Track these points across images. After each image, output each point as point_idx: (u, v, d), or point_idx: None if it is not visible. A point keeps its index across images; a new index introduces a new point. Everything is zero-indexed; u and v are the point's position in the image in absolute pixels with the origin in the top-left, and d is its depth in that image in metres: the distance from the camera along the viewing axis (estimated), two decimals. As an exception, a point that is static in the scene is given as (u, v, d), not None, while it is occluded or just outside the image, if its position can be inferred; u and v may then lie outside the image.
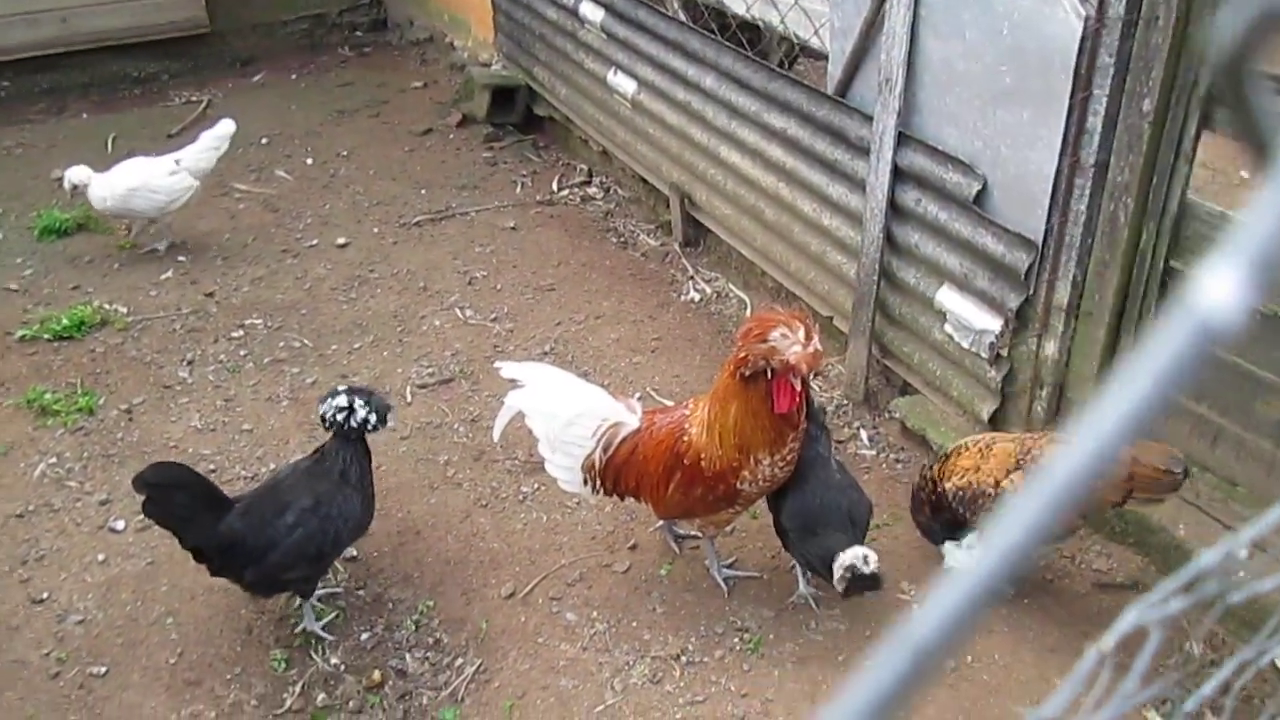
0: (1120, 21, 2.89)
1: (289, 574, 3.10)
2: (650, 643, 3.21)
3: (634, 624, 3.27)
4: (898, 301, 3.88)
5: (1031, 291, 3.34)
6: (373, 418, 3.15)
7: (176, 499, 2.99)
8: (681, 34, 4.69)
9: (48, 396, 4.17)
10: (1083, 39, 2.97)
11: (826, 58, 4.03)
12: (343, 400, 3.12)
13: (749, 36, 4.53)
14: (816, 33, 4.12)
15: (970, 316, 3.54)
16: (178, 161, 5.03)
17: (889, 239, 3.79)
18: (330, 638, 3.21)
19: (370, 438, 3.97)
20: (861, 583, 2.98)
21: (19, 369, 4.37)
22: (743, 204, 4.60)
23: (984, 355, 3.54)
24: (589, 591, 3.38)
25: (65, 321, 4.59)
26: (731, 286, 4.92)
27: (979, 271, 3.48)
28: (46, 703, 3.00)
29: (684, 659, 3.15)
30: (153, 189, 4.97)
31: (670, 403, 4.15)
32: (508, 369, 3.32)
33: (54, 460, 3.90)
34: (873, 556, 2.97)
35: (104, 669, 3.11)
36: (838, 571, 2.98)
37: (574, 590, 3.39)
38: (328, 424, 3.15)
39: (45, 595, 3.35)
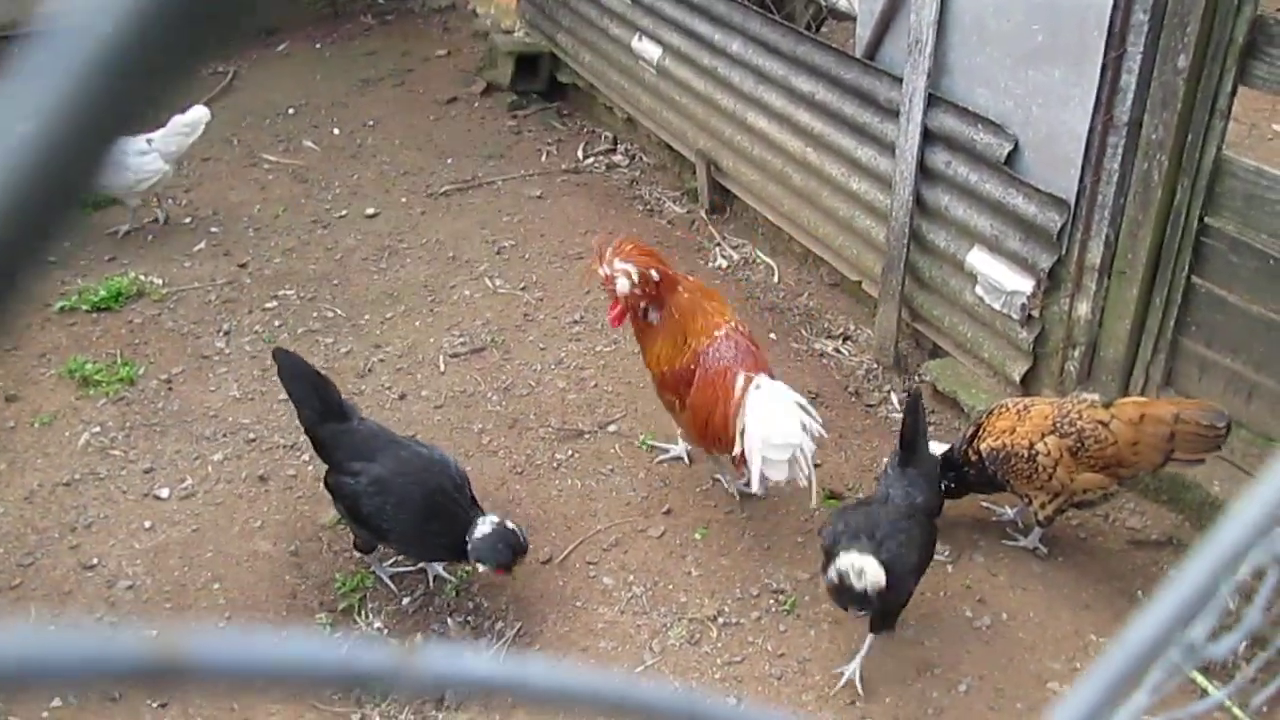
0: (1155, -21, 2.87)
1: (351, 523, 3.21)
2: (687, 605, 3.26)
3: (670, 587, 3.32)
4: (927, 264, 3.88)
5: (1064, 252, 3.34)
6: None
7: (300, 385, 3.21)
8: (707, -2, 4.68)
9: (89, 367, 4.24)
10: (1117, -3, 2.95)
11: (854, 20, 4.01)
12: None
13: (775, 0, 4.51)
14: (844, -5, 4.10)
15: (1001, 278, 3.54)
16: (149, 141, 4.91)
17: (918, 202, 3.79)
18: (393, 588, 3.29)
19: (405, 408, 4.06)
20: (848, 596, 2.74)
21: (59, 340, 4.44)
22: (770, 169, 4.60)
23: (1015, 316, 3.55)
24: (625, 556, 3.44)
25: (103, 293, 4.65)
26: (759, 253, 4.92)
27: (1010, 233, 3.48)
28: (100, 666, 3.09)
29: (720, 620, 3.20)
30: (121, 166, 4.91)
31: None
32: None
33: (97, 429, 3.97)
34: (872, 574, 2.69)
35: (154, 633, 3.19)
36: (831, 571, 2.76)
37: (610, 555, 3.44)
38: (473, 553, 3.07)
39: (95, 561, 3.43)
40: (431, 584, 3.35)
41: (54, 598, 3.30)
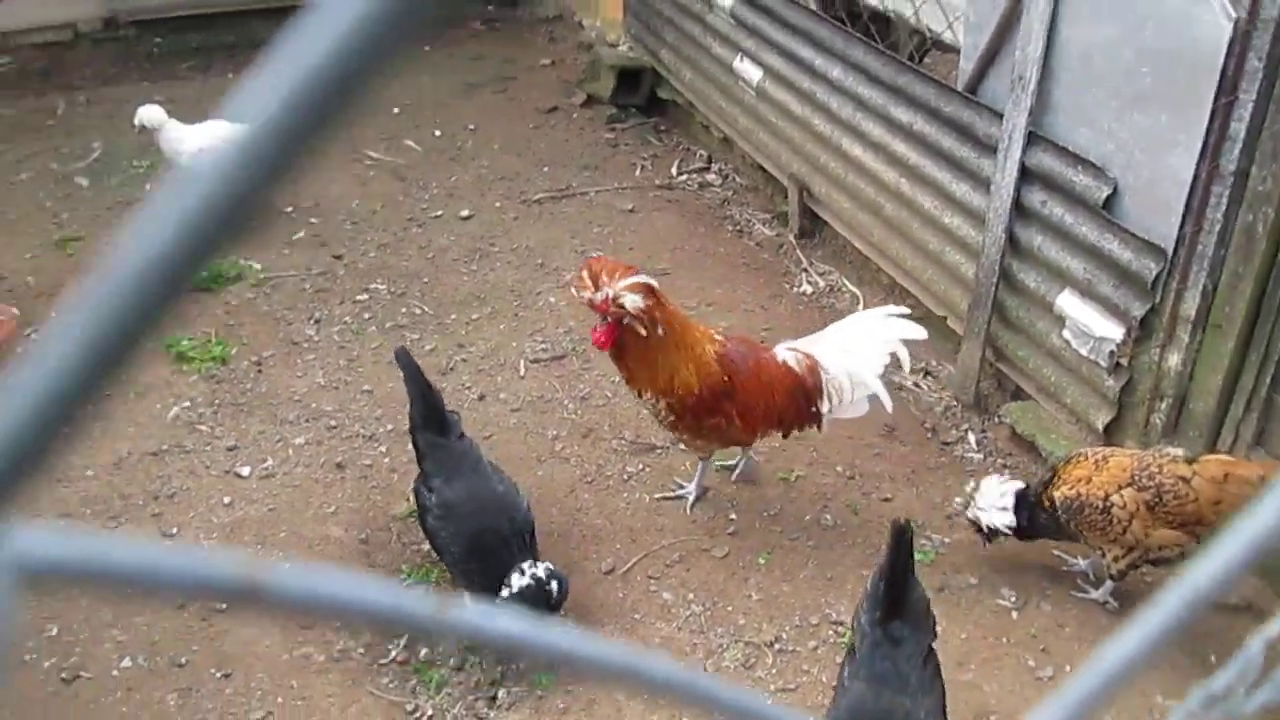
0: (1273, 23, 2.79)
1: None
2: (745, 628, 3.25)
3: (729, 609, 3.31)
4: (1015, 304, 3.82)
5: (1158, 300, 3.26)
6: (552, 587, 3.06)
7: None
8: (811, 23, 4.68)
9: (185, 344, 4.39)
10: (1231, 41, 2.87)
11: (958, 52, 3.97)
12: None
13: (880, 28, 4.49)
14: (950, 26, 4.07)
15: (1091, 323, 3.47)
16: None
17: (1011, 240, 3.73)
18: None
19: (483, 409, 4.12)
20: None
21: (159, 317, 4.61)
22: (862, 198, 4.58)
23: (1103, 364, 3.47)
24: (687, 574, 3.44)
25: (204, 273, 4.81)
26: (845, 281, 4.90)
27: (1103, 277, 3.41)
28: (171, 631, 3.20)
29: (777, 647, 3.19)
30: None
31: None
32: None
33: (187, 404, 4.12)
34: None
35: (225, 605, 3.28)
36: None
37: (672, 571, 3.45)
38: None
39: (174, 531, 3.55)
40: None
41: (134, 563, 3.42)
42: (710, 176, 5.83)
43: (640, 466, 3.85)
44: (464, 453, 3.25)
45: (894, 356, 3.42)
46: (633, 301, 3.13)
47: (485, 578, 3.08)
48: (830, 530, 3.60)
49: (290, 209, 5.46)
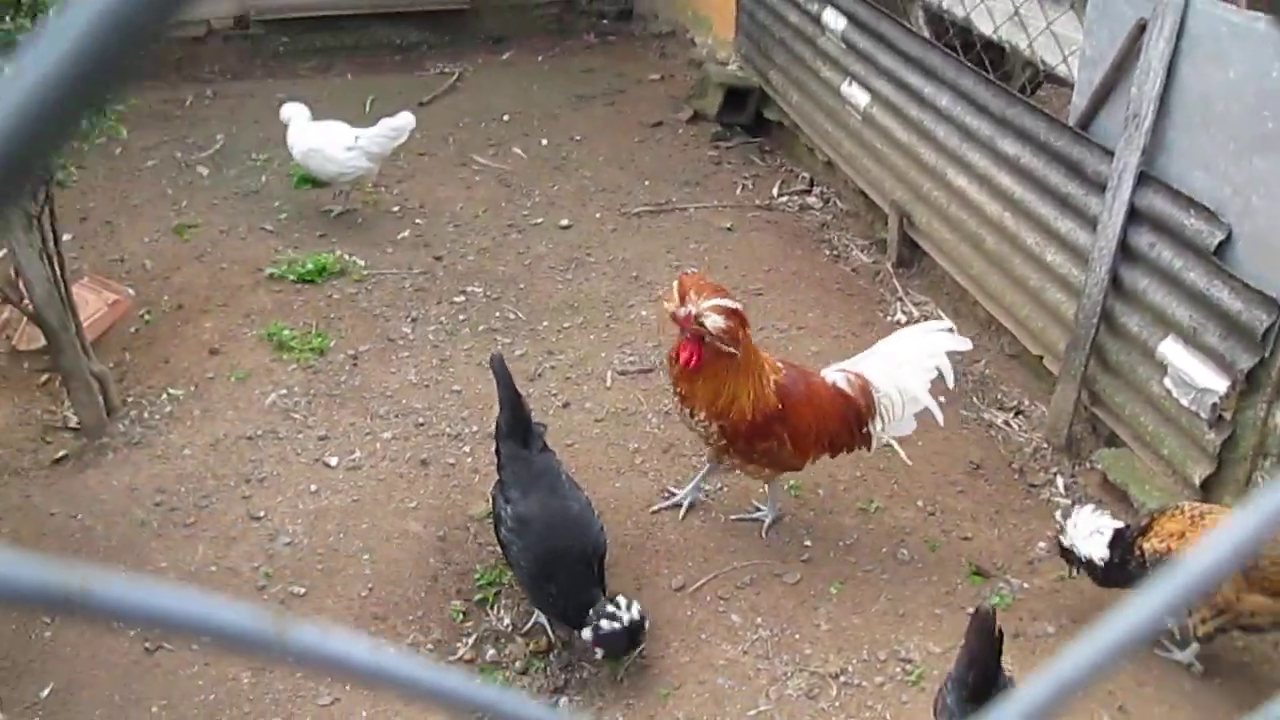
0: None
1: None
2: (811, 657, 3.21)
3: (797, 636, 3.28)
4: (1116, 348, 3.71)
5: (1267, 354, 3.13)
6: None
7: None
8: (923, 50, 4.62)
9: (286, 333, 4.54)
10: (1363, 94, 2.75)
11: (1072, 86, 3.88)
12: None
13: (992, 58, 4.42)
14: (1065, 60, 3.98)
15: (1194, 373, 3.35)
16: (356, 139, 5.21)
17: (1115, 282, 3.63)
18: (550, 634, 3.28)
19: (567, 416, 4.16)
20: None
21: (265, 304, 4.78)
22: (963, 229, 4.50)
23: (1204, 416, 3.34)
24: (757, 597, 3.42)
25: (309, 266, 4.98)
26: (940, 313, 4.81)
27: (1210, 326, 3.29)
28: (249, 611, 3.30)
29: (842, 679, 3.14)
30: (327, 157, 5.24)
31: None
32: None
33: (284, 392, 4.25)
34: None
35: (303, 590, 3.39)
36: None
37: (742, 594, 3.43)
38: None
39: (262, 514, 3.67)
40: (548, 625, 3.35)
41: (221, 541, 3.55)
42: (811, 199, 5.80)
43: (718, 485, 3.84)
44: (544, 467, 3.25)
45: (939, 371, 3.44)
46: (714, 322, 3.14)
47: (562, 601, 3.10)
48: (906, 565, 3.54)
49: (397, 209, 5.61)
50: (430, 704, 0.45)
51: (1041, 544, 3.59)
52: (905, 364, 3.43)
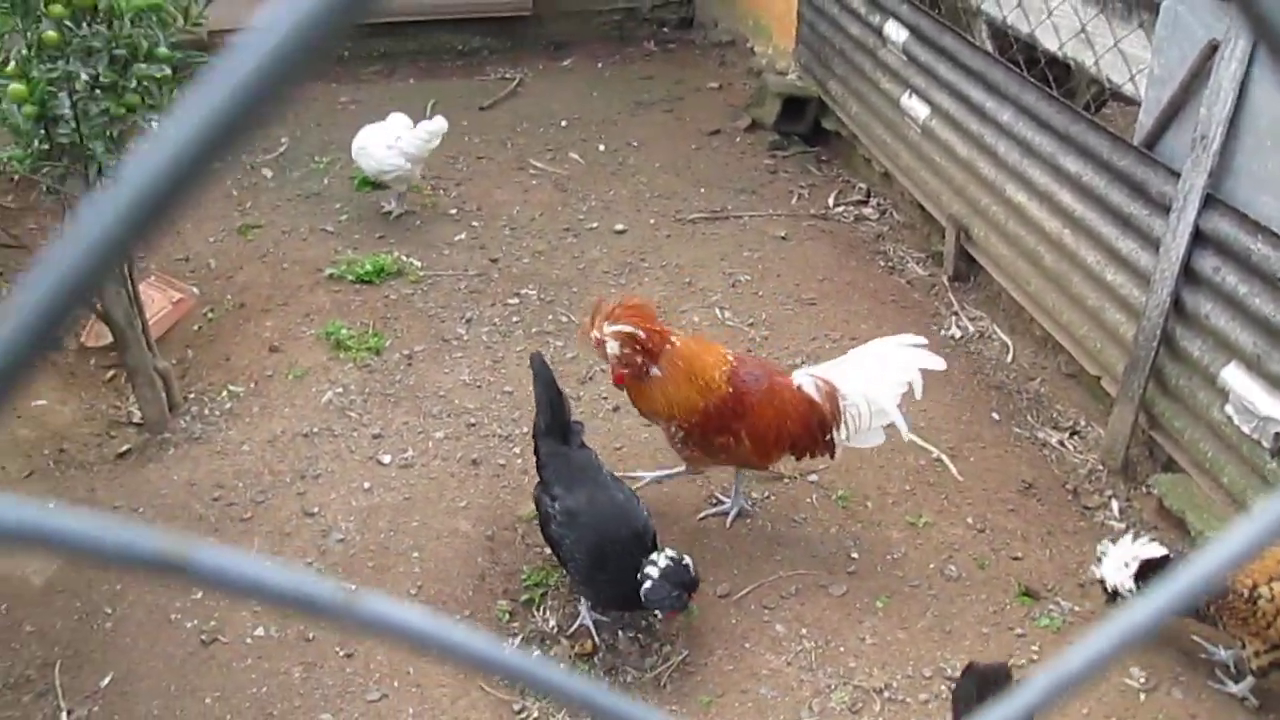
0: None
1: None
2: (855, 671, 3.21)
3: (841, 649, 3.28)
4: (1176, 372, 3.65)
5: (1333, 384, 3.07)
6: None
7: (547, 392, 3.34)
8: (985, 64, 4.59)
9: (343, 332, 4.62)
10: None
11: (1138, 105, 3.83)
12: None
13: (1056, 74, 4.37)
14: (1132, 78, 3.92)
15: (1257, 400, 3.28)
16: (397, 139, 5.32)
17: (1177, 305, 3.57)
18: (594, 638, 3.32)
19: (616, 420, 4.18)
20: None
21: (324, 303, 4.87)
22: (1021, 245, 4.45)
23: (1266, 445, 3.28)
24: (802, 608, 3.42)
25: (368, 267, 5.06)
26: (996, 328, 4.77)
27: (1275, 354, 3.23)
28: (304, 607, 3.36)
29: (886, 695, 3.13)
30: (369, 153, 5.35)
31: (914, 436, 4.10)
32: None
33: (340, 390, 4.33)
34: None
35: (354, 586, 3.43)
36: None
37: (787, 603, 3.43)
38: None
39: (316, 510, 3.74)
40: (593, 629, 3.38)
41: (276, 536, 3.62)
42: (867, 210, 5.77)
43: (766, 494, 3.85)
44: (585, 462, 3.31)
45: (910, 385, 3.40)
46: (610, 348, 3.31)
47: (617, 588, 3.14)
48: (954, 582, 3.52)
49: (454, 211, 5.68)
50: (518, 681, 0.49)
51: (1093, 567, 3.54)
52: (877, 376, 3.42)
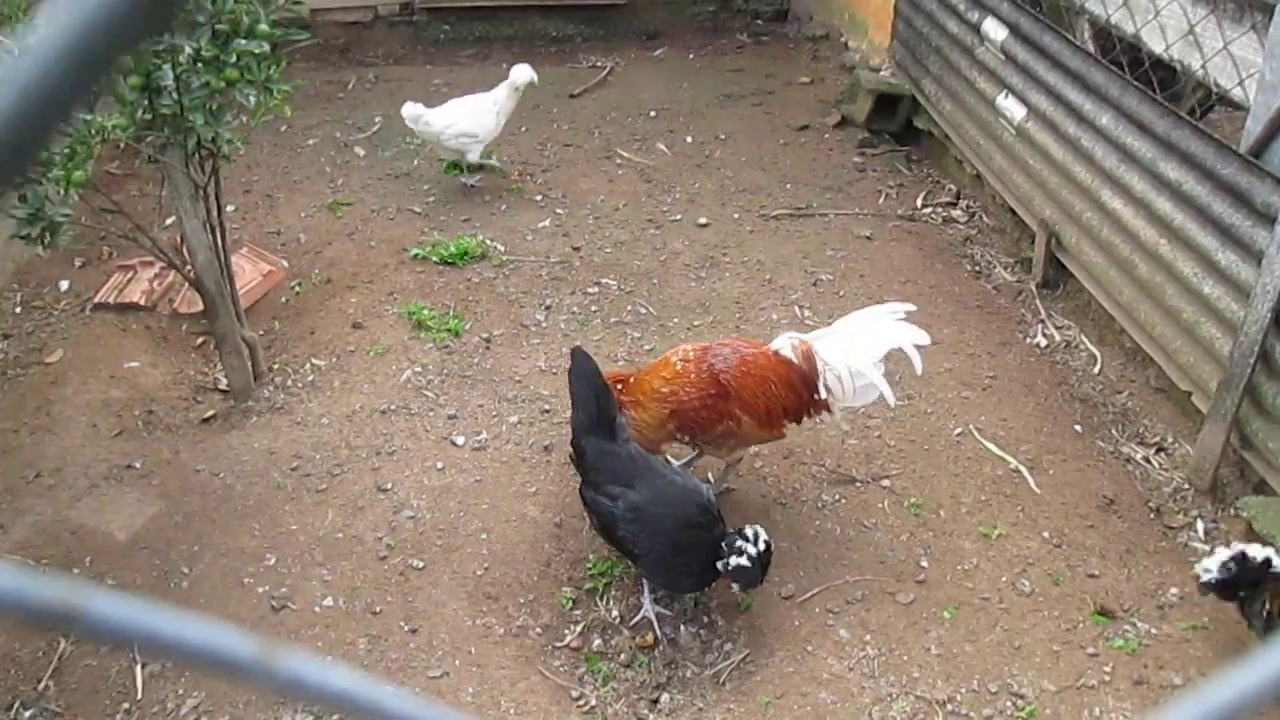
0: None
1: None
2: (918, 681, 3.15)
3: (905, 658, 3.22)
4: (1273, 391, 3.50)
5: None
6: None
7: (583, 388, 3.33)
8: (1086, 65, 4.45)
9: (425, 313, 4.69)
10: None
11: (1246, 111, 3.68)
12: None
13: (1161, 77, 4.22)
14: (1241, 83, 3.77)
15: (1358, 425, 3.14)
16: (494, 103, 5.56)
17: (1277, 321, 3.43)
18: (656, 630, 3.32)
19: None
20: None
21: (408, 283, 4.94)
22: (1115, 254, 4.32)
23: (1366, 472, 3.13)
24: (866, 614, 3.36)
25: (452, 249, 5.12)
26: (1084, 338, 4.63)
27: (1381, 378, 3.08)
28: (371, 579, 3.43)
29: (949, 707, 3.07)
30: (475, 121, 5.57)
31: (992, 445, 4.01)
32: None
33: (419, 370, 4.38)
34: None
35: (422, 564, 3.50)
36: None
37: (852, 609, 3.38)
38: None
39: (389, 486, 3.80)
40: (656, 621, 3.39)
41: (349, 509, 3.69)
42: (956, 212, 5.65)
43: (836, 497, 3.80)
44: (633, 455, 3.27)
45: (902, 351, 3.43)
46: None
47: (696, 565, 3.16)
48: (1025, 597, 3.43)
49: (540, 198, 5.72)
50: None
51: (1174, 589, 3.42)
52: (857, 339, 3.46)
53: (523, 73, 5.55)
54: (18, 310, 4.71)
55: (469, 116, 5.50)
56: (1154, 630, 3.31)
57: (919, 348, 3.43)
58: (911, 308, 3.53)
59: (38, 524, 3.61)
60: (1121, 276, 4.30)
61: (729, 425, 3.48)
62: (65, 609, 0.36)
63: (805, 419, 3.58)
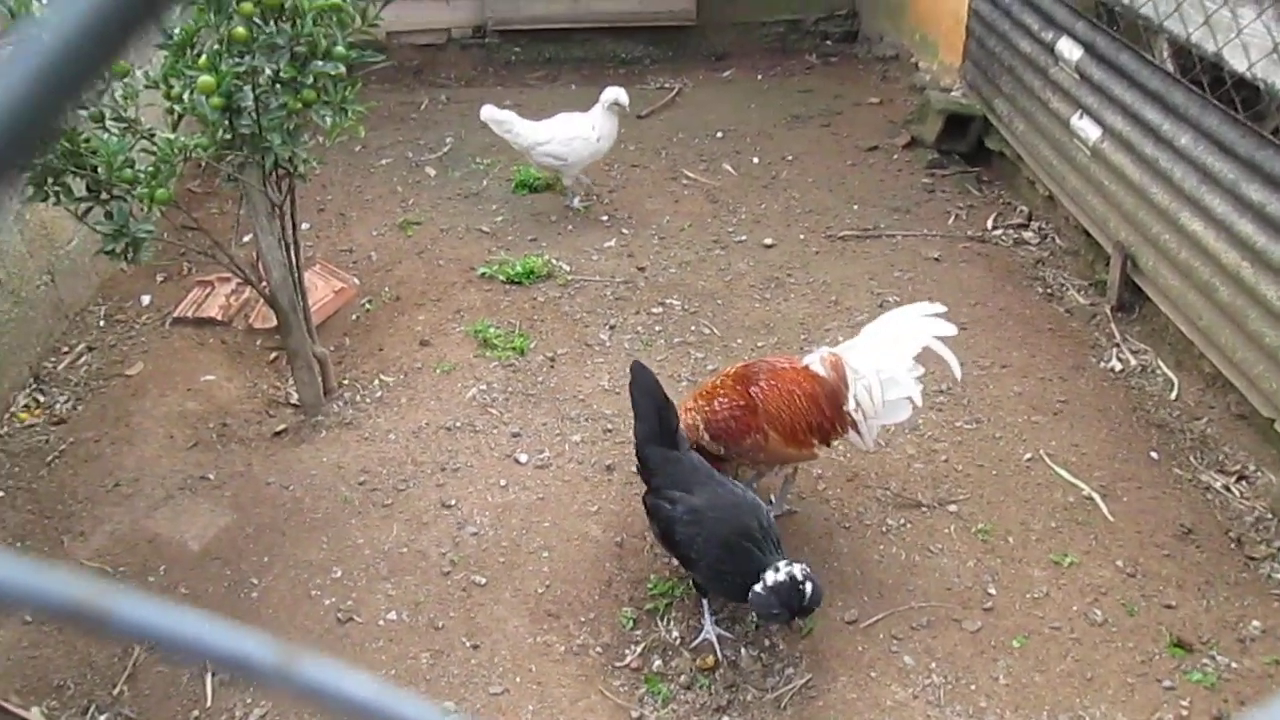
0: None
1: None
2: (985, 711, 3.08)
3: (972, 688, 3.15)
4: (1362, 420, 3.38)
5: None
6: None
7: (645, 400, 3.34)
8: (1165, 85, 4.36)
9: (491, 331, 4.73)
10: None
11: (1334, 133, 3.57)
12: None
13: (1245, 96, 4.11)
14: (1328, 104, 3.66)
15: None
16: (593, 127, 5.57)
17: (1366, 348, 3.31)
18: (717, 653, 3.28)
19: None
20: None
21: (475, 301, 5.00)
22: (1194, 277, 4.20)
23: None
24: (933, 641, 3.30)
25: (519, 268, 5.17)
26: (1160, 363, 4.51)
27: None
28: (434, 594, 3.45)
29: (1017, 738, 3.00)
30: (580, 142, 5.61)
31: (1063, 471, 3.93)
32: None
33: (484, 387, 4.43)
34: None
35: (484, 580, 3.52)
36: None
37: (917, 635, 3.33)
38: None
39: (453, 502, 3.83)
40: (732, 611, 3.40)
41: (414, 524, 3.73)
42: (1027, 234, 5.56)
43: (901, 521, 3.74)
44: (695, 465, 3.30)
45: (938, 355, 3.40)
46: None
47: (739, 578, 3.09)
48: (1098, 627, 3.34)
49: (606, 218, 5.75)
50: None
51: (1256, 622, 3.31)
52: (888, 346, 3.41)
53: (613, 94, 5.56)
54: (101, 324, 4.86)
55: (564, 140, 5.53)
56: (1234, 664, 3.20)
57: (946, 339, 3.40)
58: (943, 308, 3.48)
59: (116, 532, 3.71)
60: (1201, 300, 4.19)
61: (757, 439, 3.47)
62: (94, 609, 0.37)
63: (833, 437, 3.53)
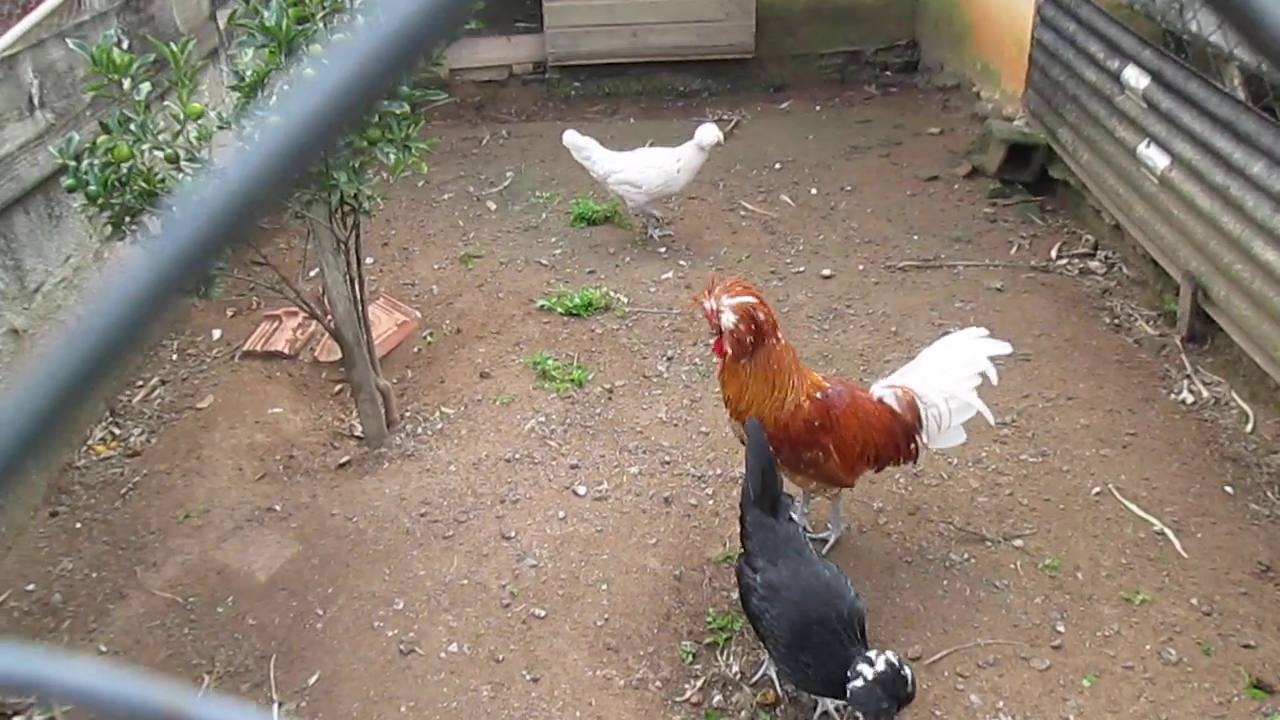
0: None
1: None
2: (1054, 752, 3.00)
3: (1040, 727, 3.08)
4: None
5: None
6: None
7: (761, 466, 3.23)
8: (1235, 112, 4.27)
9: (550, 363, 4.76)
10: None
11: None
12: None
13: (1319, 123, 4.02)
14: (1406, 129, 3.56)
15: None
16: (678, 160, 5.62)
17: None
18: (777, 689, 3.23)
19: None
20: None
21: (533, 334, 5.04)
22: (1269, 307, 4.10)
23: None
24: (999, 679, 3.23)
25: (577, 300, 5.21)
26: (1234, 395, 4.40)
27: None
28: (494, 626, 3.47)
29: (1088, 781, 2.92)
30: (660, 178, 5.69)
31: (1134, 506, 3.84)
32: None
33: (543, 419, 4.45)
34: None
35: (543, 613, 3.52)
36: None
37: (983, 673, 3.26)
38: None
39: (512, 534, 3.85)
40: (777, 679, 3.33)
41: (474, 556, 3.75)
42: (1093, 264, 5.47)
43: (965, 556, 3.68)
44: (790, 536, 3.14)
45: (984, 376, 3.44)
46: (727, 319, 3.29)
47: (819, 671, 2.92)
48: (1172, 666, 3.24)
49: (664, 250, 5.77)
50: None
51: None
52: (949, 371, 3.45)
53: (708, 133, 5.58)
54: (174, 357, 4.99)
55: (639, 168, 5.60)
56: (1316, 709, 3.09)
57: (997, 359, 3.45)
58: (985, 332, 3.53)
59: (186, 563, 3.78)
60: (1276, 331, 4.08)
61: (816, 455, 3.44)
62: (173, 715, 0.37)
63: (889, 466, 3.58)
